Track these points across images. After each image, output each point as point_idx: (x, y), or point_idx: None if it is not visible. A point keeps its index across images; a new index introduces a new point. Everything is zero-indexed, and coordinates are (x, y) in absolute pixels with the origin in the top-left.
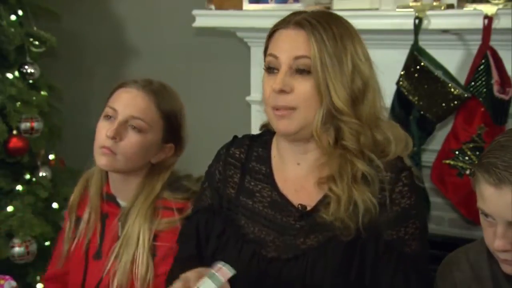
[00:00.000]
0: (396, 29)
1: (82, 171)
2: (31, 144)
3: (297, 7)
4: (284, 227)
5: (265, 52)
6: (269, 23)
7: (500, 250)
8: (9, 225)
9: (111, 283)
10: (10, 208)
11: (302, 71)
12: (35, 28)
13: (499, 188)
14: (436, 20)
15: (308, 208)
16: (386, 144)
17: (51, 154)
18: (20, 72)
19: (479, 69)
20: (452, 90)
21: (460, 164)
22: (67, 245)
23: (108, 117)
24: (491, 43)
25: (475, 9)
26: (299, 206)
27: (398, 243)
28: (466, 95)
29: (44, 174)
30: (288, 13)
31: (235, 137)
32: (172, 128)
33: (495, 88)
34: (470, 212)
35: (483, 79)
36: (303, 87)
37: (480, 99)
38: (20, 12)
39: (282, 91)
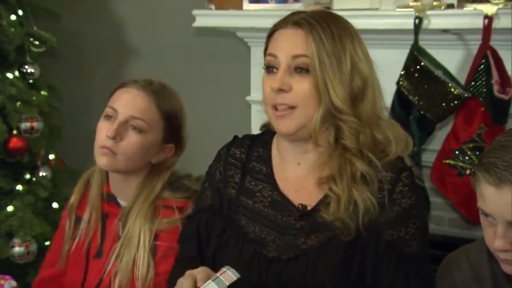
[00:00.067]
0: (396, 29)
1: (82, 171)
2: (31, 144)
3: (297, 7)
4: (285, 227)
5: (265, 52)
6: (269, 23)
7: (500, 250)
8: (9, 225)
9: (112, 283)
10: (10, 208)
11: (301, 70)
12: (35, 28)
13: (499, 188)
14: (436, 20)
15: (309, 208)
16: (386, 143)
17: (51, 154)
18: (20, 72)
19: (479, 69)
20: (452, 90)
21: (460, 164)
22: (67, 245)
23: (108, 117)
24: (491, 43)
25: (475, 9)
26: (300, 206)
27: (398, 243)
28: (466, 95)
29: (44, 174)
30: (288, 13)
31: (236, 137)
32: (172, 128)
33: (495, 88)
34: (470, 212)
35: (483, 79)
36: (302, 86)
37: (480, 99)
38: (20, 12)
39: (281, 90)
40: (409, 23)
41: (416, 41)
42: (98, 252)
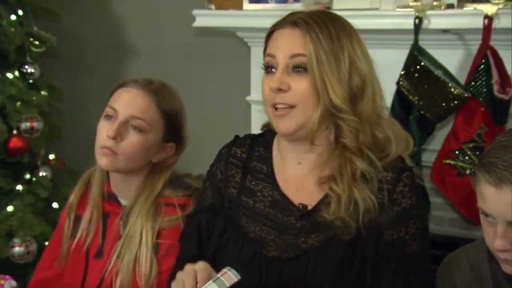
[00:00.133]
0: (396, 29)
1: (82, 171)
2: (31, 144)
3: (297, 7)
4: (285, 226)
5: (264, 53)
6: (269, 23)
7: (500, 250)
8: (9, 225)
9: (114, 283)
10: (10, 208)
11: (299, 70)
12: (35, 28)
13: (499, 188)
14: (436, 20)
15: (309, 208)
16: (386, 142)
17: (51, 154)
18: (20, 72)
19: (479, 69)
20: (452, 90)
21: (460, 164)
22: (66, 244)
23: (108, 117)
24: (491, 43)
25: (475, 9)
26: (300, 205)
27: (398, 243)
28: (466, 95)
29: (44, 174)
30: (287, 13)
31: (237, 136)
32: (172, 127)
33: (495, 88)
34: (470, 212)
35: (483, 79)
36: (300, 85)
37: (480, 99)
38: (20, 12)
39: (280, 90)
40: (409, 23)
41: (416, 41)
42: (98, 251)
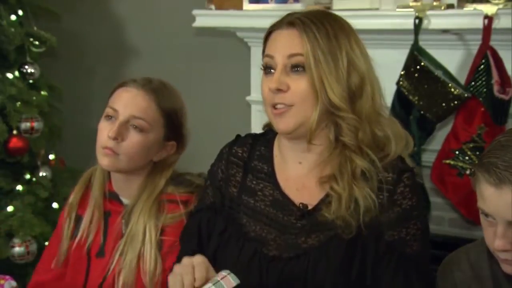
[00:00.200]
0: (396, 29)
1: (82, 171)
2: (31, 144)
3: (297, 7)
4: (286, 226)
5: (263, 54)
6: (269, 23)
7: (500, 250)
8: (9, 225)
9: (117, 281)
10: (10, 208)
11: (297, 69)
12: (35, 28)
13: (499, 188)
14: (436, 20)
15: (309, 207)
16: (385, 141)
17: (51, 154)
18: (20, 72)
19: (479, 69)
20: (452, 90)
21: (460, 164)
22: (66, 244)
23: (109, 117)
24: (491, 43)
25: (475, 9)
26: (300, 205)
27: (399, 244)
28: (466, 95)
29: (44, 174)
30: (287, 13)
31: (238, 136)
32: (173, 126)
33: (495, 88)
34: (470, 212)
35: (483, 79)
36: (299, 84)
37: (480, 99)
38: (20, 12)
39: (279, 90)
40: (409, 23)
41: (416, 41)
42: (100, 251)
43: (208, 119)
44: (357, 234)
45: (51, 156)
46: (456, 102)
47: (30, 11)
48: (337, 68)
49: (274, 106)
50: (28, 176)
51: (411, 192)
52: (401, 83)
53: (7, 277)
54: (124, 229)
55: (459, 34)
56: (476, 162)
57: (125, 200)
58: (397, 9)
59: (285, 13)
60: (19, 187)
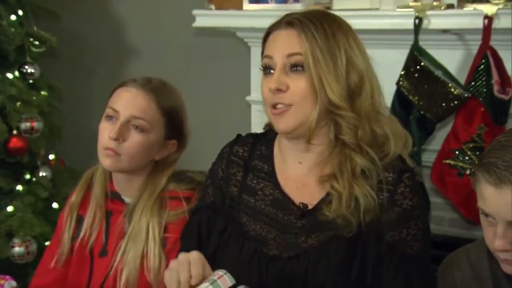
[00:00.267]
0: (396, 29)
1: (82, 171)
2: (31, 144)
3: (297, 7)
4: (286, 225)
5: (262, 55)
6: (269, 23)
7: (500, 250)
8: (9, 225)
9: (119, 280)
10: (10, 208)
11: (296, 69)
12: (35, 28)
13: (499, 188)
14: (436, 20)
15: (310, 207)
16: (385, 140)
17: (51, 154)
18: (20, 72)
19: (479, 69)
20: (452, 90)
21: (460, 164)
22: (67, 244)
23: (109, 117)
24: (491, 43)
25: (475, 9)
26: (301, 204)
27: (400, 244)
28: (466, 95)
29: (44, 174)
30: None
31: (239, 135)
32: (174, 125)
33: (495, 88)
34: (470, 212)
35: (483, 79)
36: (298, 84)
37: (480, 99)
38: (20, 12)
39: (278, 90)
40: (409, 23)
41: (416, 41)
42: (103, 250)
43: (208, 119)
44: (357, 233)
45: (51, 156)
46: (456, 102)
47: (30, 11)
48: (336, 67)
49: (274, 106)
50: (28, 176)
51: (411, 193)
52: (401, 83)
53: (7, 277)
54: (127, 227)
55: (459, 34)
56: (476, 162)
57: (127, 200)
58: (397, 9)
59: (285, 13)
60: (19, 187)
